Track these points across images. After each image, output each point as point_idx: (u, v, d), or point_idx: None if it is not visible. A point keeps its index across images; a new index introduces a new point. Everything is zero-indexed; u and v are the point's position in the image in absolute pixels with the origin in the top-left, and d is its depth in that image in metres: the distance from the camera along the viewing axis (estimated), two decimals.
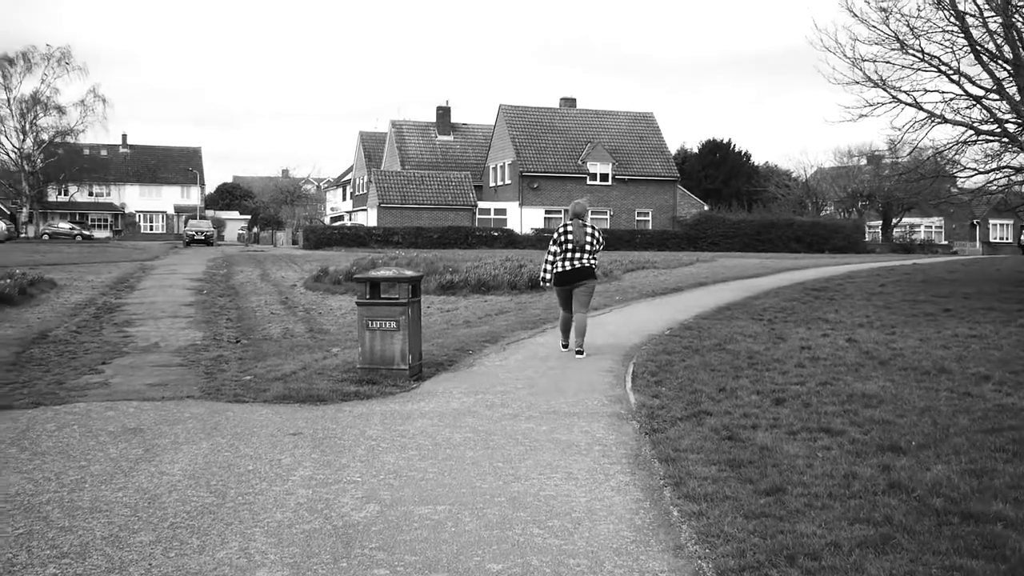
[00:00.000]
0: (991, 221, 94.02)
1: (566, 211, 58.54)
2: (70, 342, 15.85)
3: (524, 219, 69.17)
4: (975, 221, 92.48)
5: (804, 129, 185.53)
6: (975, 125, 25.76)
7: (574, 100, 77.97)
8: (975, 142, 26.51)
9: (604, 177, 71.20)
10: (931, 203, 44.25)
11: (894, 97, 25.79)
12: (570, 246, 13.79)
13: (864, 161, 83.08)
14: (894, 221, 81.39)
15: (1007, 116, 25.28)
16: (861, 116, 26.37)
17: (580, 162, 70.93)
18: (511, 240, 63.88)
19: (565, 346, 14.37)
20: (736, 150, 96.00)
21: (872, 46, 25.70)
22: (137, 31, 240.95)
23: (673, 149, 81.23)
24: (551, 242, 14.00)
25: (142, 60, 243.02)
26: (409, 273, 11.87)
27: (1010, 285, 26.74)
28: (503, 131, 72.80)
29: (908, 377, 11.58)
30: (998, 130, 25.60)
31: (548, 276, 14.11)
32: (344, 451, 8.13)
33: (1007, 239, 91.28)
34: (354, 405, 10.21)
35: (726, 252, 60.12)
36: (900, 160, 77.09)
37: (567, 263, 13.83)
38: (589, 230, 13.90)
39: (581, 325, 13.90)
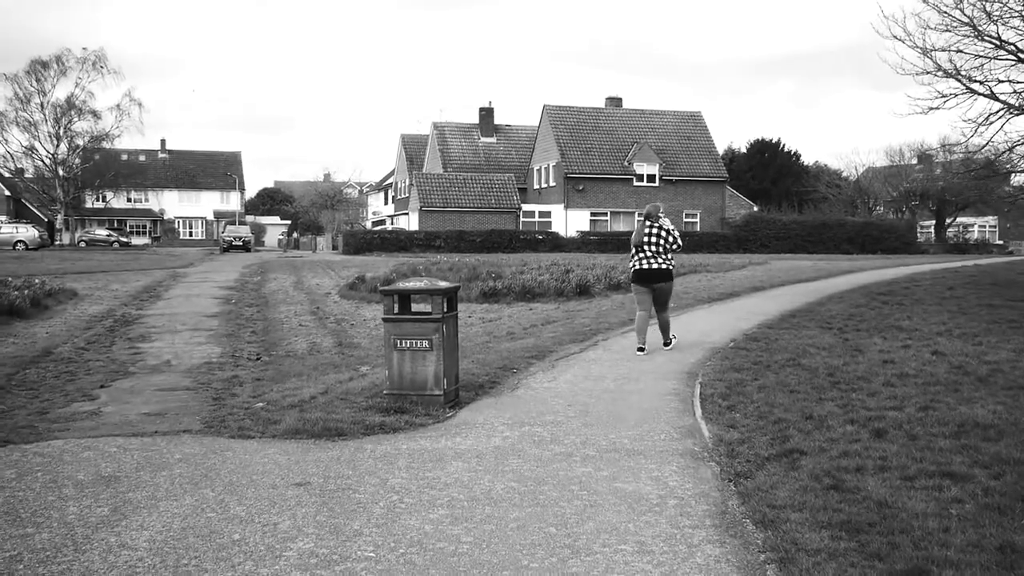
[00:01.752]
0: None
1: (614, 214, 57.31)
2: (73, 360, 14.43)
3: (569, 222, 67.53)
4: None
5: (855, 128, 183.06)
6: None
7: (620, 100, 76.14)
8: None
9: (651, 178, 69.39)
10: (1006, 200, 42.21)
11: (967, 87, 23.97)
12: (654, 244, 14.09)
13: (915, 160, 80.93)
14: (948, 221, 78.89)
15: None
16: (931, 109, 24.51)
17: (626, 163, 69.18)
18: (556, 243, 62.29)
19: (641, 349, 14.17)
20: (785, 150, 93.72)
21: (944, 33, 23.83)
22: (181, 38, 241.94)
23: (720, 149, 79.10)
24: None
25: (186, 67, 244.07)
26: (443, 284, 10.28)
27: None
28: (547, 132, 71.18)
29: (1020, 399, 9.96)
30: None
31: (630, 274, 14.54)
32: (358, 511, 6.54)
33: None
34: (378, 441, 8.65)
35: (777, 254, 58.23)
36: (953, 157, 74.94)
37: (641, 263, 14.11)
38: (655, 230, 14.09)
39: (664, 323, 14.54)
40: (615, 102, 75.75)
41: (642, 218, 14.29)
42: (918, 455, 7.66)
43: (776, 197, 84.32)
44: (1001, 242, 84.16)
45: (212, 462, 7.89)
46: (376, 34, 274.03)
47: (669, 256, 14.16)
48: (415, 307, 10.52)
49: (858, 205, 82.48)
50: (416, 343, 9.97)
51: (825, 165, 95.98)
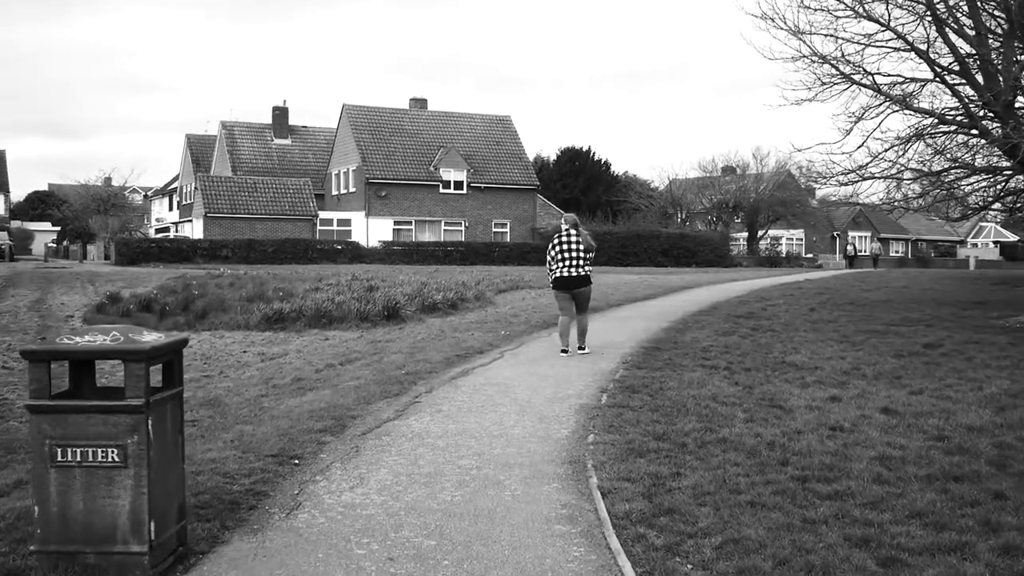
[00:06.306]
0: (851, 233, 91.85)
1: (419, 222, 52.61)
2: None
3: (371, 231, 62.52)
4: (836, 234, 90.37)
5: (674, 141, 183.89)
6: (940, 112, 20.73)
7: (425, 101, 71.33)
8: (925, 135, 21.43)
9: (459, 185, 65.05)
10: (818, 211, 40.04)
11: (844, 75, 20.54)
12: (575, 252, 14.61)
13: (721, 171, 79.78)
14: (760, 233, 77.67)
15: (972, 97, 20.45)
16: (804, 100, 21.07)
17: (432, 168, 64.66)
18: (357, 254, 57.28)
19: (564, 351, 14.59)
20: (595, 158, 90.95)
21: (817, 13, 20.36)
22: None
23: (530, 157, 75.55)
24: (549, 248, 14.81)
25: None
26: (149, 338, 5.37)
27: (950, 307, 22.49)
28: (347, 134, 65.95)
29: None
30: (962, 114, 20.62)
31: (551, 280, 14.84)
32: None
33: (864, 251, 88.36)
34: None
35: (592, 266, 54.70)
36: (765, 170, 73.23)
37: (570, 269, 14.56)
38: (578, 239, 14.70)
39: (583, 326, 14.89)
40: (420, 103, 70.99)
41: (567, 227, 14.76)
42: None
43: (587, 207, 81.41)
44: (810, 255, 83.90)
45: None
46: (170, 34, 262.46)
47: (587, 264, 14.75)
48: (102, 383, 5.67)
49: (672, 215, 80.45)
50: (95, 454, 5.13)
51: (635, 175, 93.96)
